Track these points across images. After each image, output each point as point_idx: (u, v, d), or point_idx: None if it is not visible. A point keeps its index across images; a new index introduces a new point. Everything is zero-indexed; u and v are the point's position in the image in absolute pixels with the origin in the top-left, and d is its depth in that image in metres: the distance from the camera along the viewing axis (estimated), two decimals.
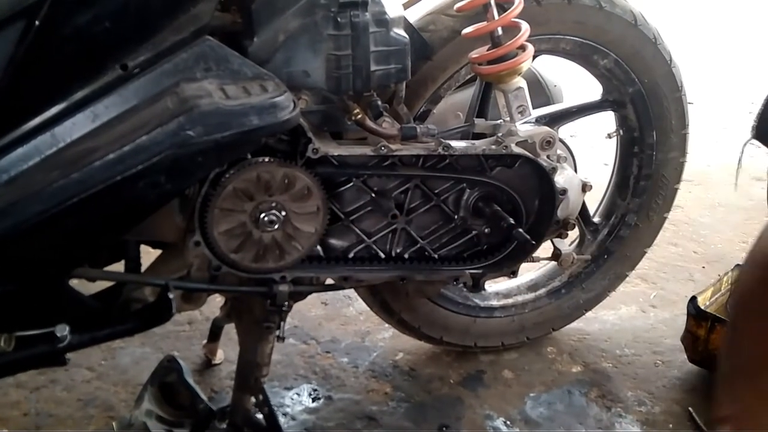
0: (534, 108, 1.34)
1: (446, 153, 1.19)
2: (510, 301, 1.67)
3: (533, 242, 1.27)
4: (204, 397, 1.34)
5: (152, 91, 0.91)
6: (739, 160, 1.21)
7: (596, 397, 1.59)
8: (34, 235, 0.88)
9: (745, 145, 1.18)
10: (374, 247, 1.25)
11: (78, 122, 0.89)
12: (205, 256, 1.10)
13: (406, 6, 1.35)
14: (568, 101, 1.67)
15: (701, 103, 3.50)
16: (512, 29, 1.25)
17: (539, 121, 1.45)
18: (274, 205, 1.08)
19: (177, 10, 0.94)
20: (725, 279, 1.74)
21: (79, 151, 0.88)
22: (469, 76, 1.42)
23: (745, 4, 5.14)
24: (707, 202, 2.49)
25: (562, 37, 1.44)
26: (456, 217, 1.27)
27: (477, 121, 1.39)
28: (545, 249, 1.41)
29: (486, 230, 1.30)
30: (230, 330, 1.53)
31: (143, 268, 1.19)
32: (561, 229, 1.36)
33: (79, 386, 1.56)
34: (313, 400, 1.57)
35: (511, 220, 1.25)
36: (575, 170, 1.40)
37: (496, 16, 1.24)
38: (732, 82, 3.82)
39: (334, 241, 1.24)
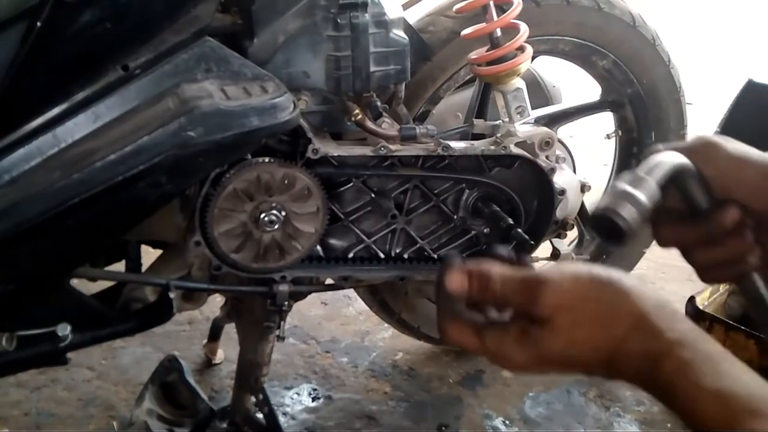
0: (533, 108, 1.34)
1: (445, 153, 1.19)
2: None
3: (532, 242, 1.27)
4: (204, 396, 1.35)
5: (153, 91, 0.91)
6: None
7: (595, 397, 1.60)
8: (36, 235, 0.88)
9: None
10: (374, 247, 1.25)
11: (80, 123, 0.89)
12: (205, 256, 1.10)
13: (405, 7, 1.36)
14: (567, 102, 1.68)
15: (700, 104, 3.51)
16: (511, 30, 1.26)
17: (538, 121, 1.45)
18: (274, 205, 1.08)
19: (178, 11, 0.94)
20: None
21: (81, 151, 0.88)
22: (468, 77, 1.43)
23: (744, 5, 5.14)
24: None
25: (560, 38, 1.45)
26: (455, 217, 1.28)
27: (476, 121, 1.40)
28: (544, 249, 1.41)
29: (485, 230, 1.30)
30: (230, 330, 1.54)
31: (144, 268, 1.20)
32: (560, 229, 1.36)
33: (80, 386, 1.57)
34: (313, 399, 1.58)
35: (510, 221, 1.26)
36: (574, 171, 1.41)
37: (495, 18, 1.24)
38: (730, 82, 3.83)
39: (333, 241, 1.24)
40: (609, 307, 0.60)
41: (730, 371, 0.57)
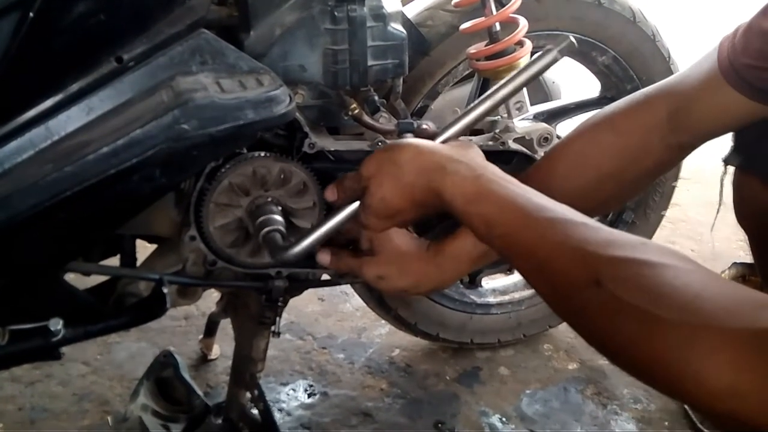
0: (532, 104, 1.33)
1: None
2: (507, 297, 1.67)
3: None
4: (200, 392, 1.35)
5: (147, 84, 0.90)
6: (720, 193, 1.08)
7: (592, 395, 1.60)
8: (28, 229, 0.87)
9: (724, 174, 1.07)
10: None
11: (72, 115, 0.88)
12: (200, 251, 1.10)
13: (404, 1, 1.35)
14: (566, 98, 1.67)
15: None
16: (510, 25, 1.25)
17: (537, 117, 1.44)
18: (270, 200, 1.07)
19: (173, 2, 0.93)
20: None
21: (74, 144, 0.87)
22: (467, 72, 1.42)
23: (743, 1, 5.13)
24: (705, 200, 2.49)
25: (560, 33, 1.43)
26: None
27: None
28: None
29: None
30: (226, 325, 1.53)
31: (139, 263, 1.19)
32: None
33: (75, 381, 1.56)
34: (309, 395, 1.57)
35: None
36: None
37: (494, 12, 1.23)
38: None
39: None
40: (397, 165, 0.84)
41: (482, 183, 0.81)
